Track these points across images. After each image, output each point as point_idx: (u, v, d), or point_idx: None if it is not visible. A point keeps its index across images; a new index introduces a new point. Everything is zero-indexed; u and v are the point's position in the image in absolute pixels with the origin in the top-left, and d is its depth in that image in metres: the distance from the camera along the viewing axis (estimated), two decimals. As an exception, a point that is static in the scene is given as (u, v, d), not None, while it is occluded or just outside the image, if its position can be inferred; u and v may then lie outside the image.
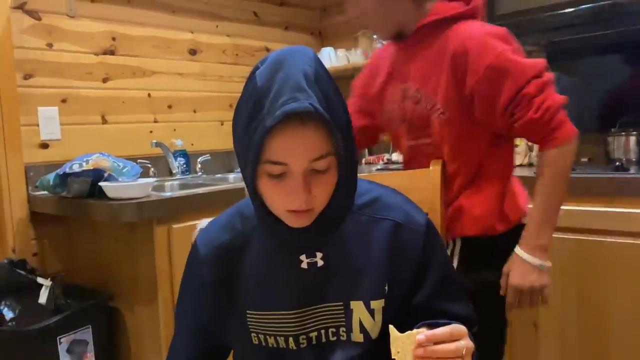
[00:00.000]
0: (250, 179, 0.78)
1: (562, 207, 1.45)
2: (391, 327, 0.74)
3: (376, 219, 0.89)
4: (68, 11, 2.10)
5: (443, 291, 0.90)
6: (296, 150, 0.75)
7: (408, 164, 1.35)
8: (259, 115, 0.74)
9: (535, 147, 2.08)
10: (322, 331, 0.88)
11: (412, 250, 0.88)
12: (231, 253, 0.91)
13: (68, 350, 1.70)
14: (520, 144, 2.06)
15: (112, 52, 2.24)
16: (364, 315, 0.87)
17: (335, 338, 0.88)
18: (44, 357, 1.66)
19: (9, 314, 1.72)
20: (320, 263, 0.87)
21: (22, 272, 1.78)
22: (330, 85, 0.78)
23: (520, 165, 2.03)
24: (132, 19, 2.30)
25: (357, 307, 0.87)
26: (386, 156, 2.53)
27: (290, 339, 0.88)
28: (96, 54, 2.19)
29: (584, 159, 2.05)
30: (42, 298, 1.73)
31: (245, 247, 0.91)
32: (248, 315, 0.90)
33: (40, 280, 1.76)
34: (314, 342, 0.88)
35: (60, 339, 1.67)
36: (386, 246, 0.88)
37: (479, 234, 1.22)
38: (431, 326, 0.76)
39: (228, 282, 0.91)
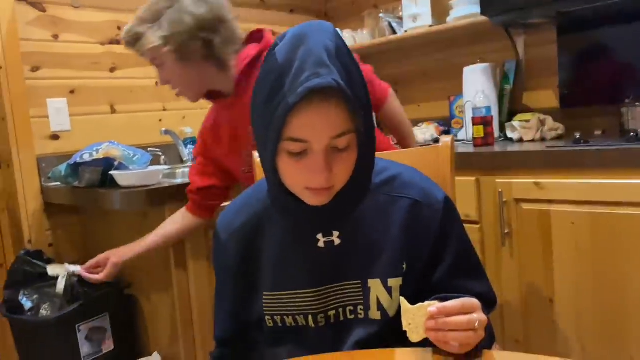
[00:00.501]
0: (270, 157, 0.77)
1: (579, 181, 1.47)
2: (402, 299, 0.74)
3: (394, 197, 0.88)
4: (72, 2, 2.10)
5: (461, 268, 0.89)
6: (318, 127, 0.73)
7: None
8: (280, 92, 0.72)
9: (547, 121, 2.05)
10: (340, 309, 0.88)
11: (430, 228, 0.88)
12: (249, 235, 0.91)
13: (87, 338, 1.72)
14: (532, 118, 2.04)
15: (118, 42, 2.23)
16: (382, 293, 0.86)
17: (353, 316, 0.88)
18: (64, 344, 1.68)
19: (27, 304, 1.74)
20: (337, 242, 0.87)
21: (39, 263, 1.80)
22: (350, 60, 0.77)
23: (533, 141, 2.00)
24: (136, 8, 2.28)
25: (375, 285, 0.86)
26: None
27: (310, 317, 0.88)
28: (102, 44, 2.19)
29: (598, 132, 2.01)
30: (59, 287, 1.75)
31: (262, 228, 0.91)
32: (264, 297, 0.90)
33: (53, 268, 1.78)
34: (332, 320, 0.88)
35: (79, 326, 1.70)
36: (404, 224, 0.87)
37: None
38: (443, 300, 0.75)
39: (248, 264, 0.92)
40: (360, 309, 0.88)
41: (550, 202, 1.64)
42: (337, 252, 0.87)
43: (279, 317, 0.90)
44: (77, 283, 1.75)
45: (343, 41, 0.77)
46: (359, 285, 0.87)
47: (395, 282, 0.86)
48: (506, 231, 1.74)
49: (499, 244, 1.77)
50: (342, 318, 0.89)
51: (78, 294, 1.75)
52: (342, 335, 0.89)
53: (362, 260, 0.87)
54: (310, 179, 0.77)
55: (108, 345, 1.78)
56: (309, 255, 0.87)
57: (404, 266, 0.87)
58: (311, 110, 0.72)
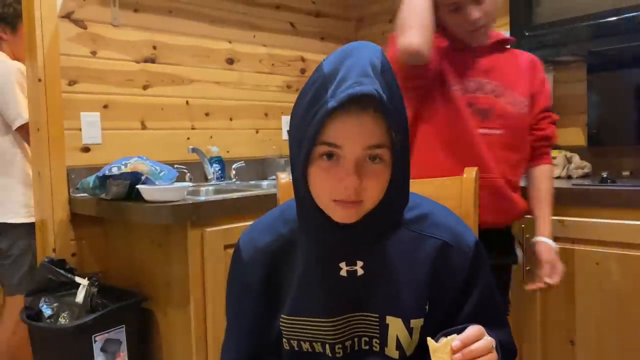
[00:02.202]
0: (303, 163, 0.77)
1: (604, 221, 1.49)
2: (429, 340, 0.75)
3: (424, 236, 0.87)
4: (112, 20, 2.18)
5: (483, 316, 0.87)
6: (352, 133, 0.74)
7: (470, 148, 1.41)
8: (322, 99, 0.74)
9: (574, 159, 2.03)
10: (356, 339, 0.88)
11: (457, 273, 0.86)
12: (272, 256, 0.90)
13: (102, 349, 1.73)
14: (558, 155, 2.02)
15: (152, 60, 2.31)
16: (402, 333, 0.85)
17: (367, 347, 0.87)
18: (79, 354, 1.70)
19: (47, 311, 1.77)
20: (360, 272, 0.85)
21: (62, 272, 1.84)
22: (394, 80, 0.77)
23: (559, 178, 1.98)
24: (172, 29, 2.37)
25: (395, 324, 0.85)
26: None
27: (327, 347, 0.87)
28: (137, 62, 2.26)
29: (626, 172, 1.99)
30: (79, 297, 1.78)
31: (286, 251, 0.90)
32: (282, 320, 0.89)
33: (78, 279, 1.82)
34: (348, 350, 0.88)
35: (95, 337, 1.71)
36: (431, 265, 0.85)
37: (509, 223, 1.52)
38: (449, 334, 0.77)
39: (268, 285, 0.90)
40: (376, 342, 0.87)
41: (574, 240, 1.62)
42: (359, 282, 0.85)
43: (295, 341, 0.89)
44: (96, 293, 1.77)
45: (388, 62, 0.78)
46: (377, 319, 0.86)
47: (417, 323, 0.85)
48: (527, 268, 1.71)
49: (521, 280, 1.74)
50: (356, 348, 0.88)
51: (97, 305, 1.77)
52: None
53: (383, 294, 0.85)
54: (339, 188, 0.76)
55: (122, 358, 1.79)
56: (330, 283, 0.86)
57: (427, 307, 0.86)
58: (349, 117, 0.73)
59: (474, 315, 0.86)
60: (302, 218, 0.85)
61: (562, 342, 1.66)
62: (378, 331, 0.86)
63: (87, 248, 2.09)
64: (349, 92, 0.71)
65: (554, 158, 2.02)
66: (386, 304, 0.85)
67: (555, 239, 1.64)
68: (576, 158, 2.03)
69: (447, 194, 1.14)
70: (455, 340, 0.72)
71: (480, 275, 0.88)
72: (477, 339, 0.73)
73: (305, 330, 0.88)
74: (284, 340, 0.90)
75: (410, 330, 0.85)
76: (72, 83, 2.08)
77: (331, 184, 0.76)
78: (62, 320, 1.75)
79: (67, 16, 2.06)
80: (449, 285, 0.86)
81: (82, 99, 2.10)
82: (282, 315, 0.89)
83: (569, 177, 1.98)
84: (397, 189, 0.80)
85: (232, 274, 0.97)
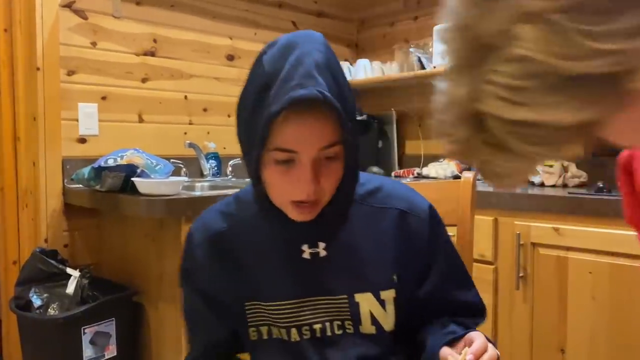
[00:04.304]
0: (255, 167, 0.76)
1: (598, 230, 1.41)
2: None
3: (380, 208, 0.88)
4: (113, 12, 2.17)
5: (451, 278, 0.90)
6: (305, 137, 0.72)
7: None
8: (265, 100, 0.71)
9: (571, 168, 2.03)
10: (327, 324, 0.85)
11: (418, 238, 0.88)
12: (227, 240, 0.87)
13: (91, 341, 1.72)
14: (555, 164, 2.02)
15: (152, 54, 2.30)
16: (375, 307, 0.85)
17: (341, 331, 0.86)
18: (68, 345, 1.69)
19: (37, 302, 1.75)
20: (322, 253, 0.85)
21: (53, 262, 1.82)
22: (340, 72, 0.76)
23: (554, 186, 1.98)
24: (173, 23, 2.36)
25: (365, 299, 0.85)
26: (416, 170, 2.52)
27: (293, 330, 0.85)
28: (137, 55, 2.25)
29: (621, 183, 1.99)
30: (70, 288, 1.77)
31: (242, 235, 0.87)
32: (246, 307, 0.86)
33: (69, 271, 1.80)
34: (318, 334, 0.85)
35: (84, 329, 1.70)
36: (393, 235, 0.87)
37: None
38: (452, 342, 0.79)
39: (225, 271, 0.87)
40: (349, 324, 0.85)
41: (568, 249, 1.62)
42: (323, 264, 0.85)
43: (265, 328, 0.86)
44: (87, 285, 1.76)
45: (333, 53, 0.76)
46: (345, 300, 0.85)
47: (387, 295, 0.85)
48: (521, 274, 1.71)
49: (513, 287, 1.74)
50: (329, 333, 0.86)
51: (87, 297, 1.76)
52: (334, 352, 0.85)
53: (349, 272, 0.85)
54: (296, 191, 0.75)
55: (111, 351, 1.78)
56: (292, 266, 0.85)
57: (395, 278, 0.86)
58: (298, 121, 0.71)
59: (444, 278, 0.88)
60: (261, 207, 0.83)
61: (553, 350, 1.66)
62: (349, 312, 0.85)
63: (80, 239, 2.08)
64: (291, 96, 0.68)
65: (551, 166, 2.03)
66: (352, 282, 0.85)
67: (550, 246, 1.65)
68: (572, 167, 2.04)
69: (445, 196, 1.14)
70: (468, 354, 0.73)
71: (440, 238, 0.90)
72: (485, 348, 0.74)
73: (270, 316, 0.85)
74: (252, 329, 0.87)
75: (382, 303, 0.85)
76: (70, 73, 2.07)
77: (288, 186, 0.75)
78: (51, 311, 1.74)
79: (68, 5, 2.05)
80: (412, 252, 0.87)
81: (80, 90, 2.09)
82: (246, 303, 0.86)
83: (565, 186, 1.99)
84: (350, 176, 0.80)
85: (185, 263, 0.92)
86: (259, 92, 0.73)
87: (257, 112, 0.73)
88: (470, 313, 0.92)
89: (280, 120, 0.71)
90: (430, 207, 0.90)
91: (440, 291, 0.88)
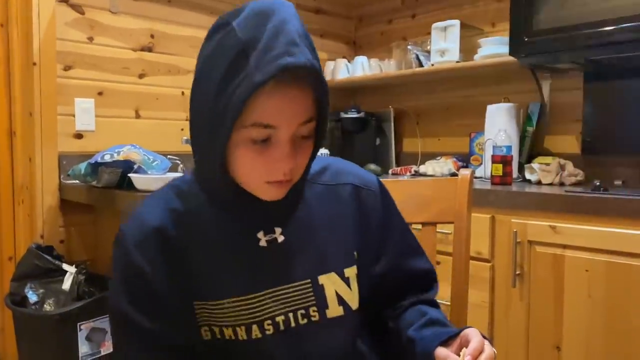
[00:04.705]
0: (221, 147, 0.67)
1: (595, 228, 1.40)
2: None
3: (334, 185, 0.86)
4: (110, 7, 2.16)
5: (406, 248, 0.90)
6: (287, 111, 0.66)
7: None
8: (242, 70, 0.63)
9: (568, 166, 2.03)
10: (291, 314, 0.78)
11: (373, 212, 0.87)
12: (169, 237, 0.75)
13: (87, 338, 1.72)
14: (552, 162, 2.02)
15: (149, 49, 2.29)
16: (340, 287, 0.82)
17: (305, 320, 0.79)
18: (64, 341, 1.68)
19: (33, 297, 1.75)
20: (280, 239, 0.79)
21: (49, 258, 1.82)
22: (313, 45, 0.70)
23: (551, 185, 1.99)
24: (171, 18, 2.35)
25: (330, 280, 0.81)
26: (414, 168, 2.51)
27: (254, 327, 0.77)
28: (134, 50, 2.24)
29: (618, 181, 1.99)
30: (66, 284, 1.76)
31: (188, 229, 0.77)
32: (196, 307, 0.76)
33: (65, 266, 1.80)
34: (281, 327, 0.78)
35: (80, 325, 1.70)
36: (351, 211, 0.85)
37: None
38: (446, 341, 0.78)
39: (168, 271, 0.75)
40: (314, 311, 0.79)
41: (565, 247, 1.62)
42: (282, 250, 0.78)
43: (217, 328, 0.77)
44: (83, 281, 1.76)
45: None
46: (309, 285, 0.79)
47: (350, 272, 0.83)
48: (518, 272, 1.72)
49: (510, 284, 1.74)
50: (293, 324, 0.79)
51: (83, 293, 1.76)
52: (300, 344, 0.79)
53: (310, 255, 0.80)
54: (273, 171, 0.69)
55: (107, 348, 1.77)
56: (249, 257, 0.77)
57: (355, 254, 0.85)
58: (282, 92, 0.65)
59: (400, 249, 0.89)
60: (213, 195, 0.76)
61: (549, 347, 1.66)
62: (313, 297, 0.79)
63: (76, 235, 2.07)
64: (280, 63, 0.62)
65: (548, 165, 2.03)
66: (314, 264, 0.80)
67: (547, 244, 1.65)
68: (569, 165, 2.04)
69: (443, 194, 1.14)
70: (466, 356, 0.73)
71: (392, 210, 0.90)
72: (482, 347, 0.73)
73: (225, 315, 0.76)
74: (204, 328, 0.77)
75: (346, 281, 0.82)
76: (67, 68, 2.06)
77: (264, 166, 0.69)
78: (47, 307, 1.74)
79: (65, 0, 2.04)
80: (369, 227, 0.86)
81: (76, 85, 2.08)
82: (195, 302, 0.76)
83: (562, 184, 1.99)
84: (314, 155, 0.77)
85: (117, 268, 0.77)
86: (233, 62, 0.64)
87: (230, 83, 0.64)
88: (425, 281, 0.92)
89: (260, 92, 0.64)
90: (379, 180, 0.91)
91: (397, 264, 0.88)
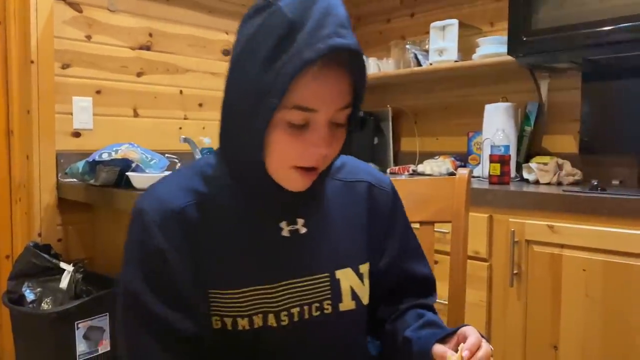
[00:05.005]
0: (261, 129, 0.66)
1: (592, 227, 1.41)
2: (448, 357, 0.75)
3: (351, 182, 0.87)
4: (109, 5, 2.16)
5: (408, 250, 0.91)
6: (327, 95, 0.66)
7: None
8: (290, 48, 0.63)
9: (565, 166, 2.04)
10: (306, 307, 0.78)
11: (384, 210, 0.89)
12: (191, 220, 0.73)
13: (85, 336, 1.72)
14: (550, 161, 2.03)
15: (148, 48, 2.28)
16: (355, 282, 0.83)
17: (318, 313, 0.79)
18: (61, 340, 1.68)
19: (30, 296, 1.75)
20: (302, 230, 0.79)
21: (46, 257, 1.81)
22: None
23: (549, 184, 1.99)
24: (169, 17, 2.35)
25: (346, 275, 0.82)
26: (412, 167, 2.52)
27: (270, 316, 0.76)
28: (132, 49, 2.24)
29: (616, 181, 2.00)
30: (63, 283, 1.76)
31: (210, 214, 0.75)
32: (211, 296, 0.74)
33: (63, 265, 1.80)
34: (295, 318, 0.78)
35: (77, 324, 1.70)
36: (365, 208, 0.87)
37: None
38: (444, 338, 0.78)
39: (187, 256, 0.73)
40: (327, 304, 0.80)
41: (562, 246, 1.62)
42: (303, 242, 0.78)
43: (230, 318, 0.75)
44: (81, 280, 1.75)
45: None
46: (327, 278, 0.80)
47: (364, 268, 0.85)
48: (515, 272, 1.72)
49: (507, 284, 1.74)
50: (307, 316, 0.78)
51: (81, 291, 1.76)
52: (310, 336, 0.79)
53: (329, 248, 0.80)
54: (307, 155, 0.68)
55: (104, 346, 1.77)
56: (270, 246, 0.76)
57: (367, 250, 0.87)
58: (325, 75, 0.64)
59: (401, 250, 0.90)
60: (240, 180, 0.75)
61: (546, 346, 1.66)
62: (330, 291, 0.80)
63: (74, 234, 2.07)
64: (330, 43, 0.62)
65: (545, 164, 2.03)
66: (333, 259, 0.81)
67: (544, 244, 1.66)
68: (567, 165, 2.04)
69: (440, 193, 1.14)
70: (464, 350, 0.73)
71: (400, 211, 0.92)
72: (480, 343, 0.73)
73: (242, 304, 0.75)
74: (215, 318, 0.75)
75: (360, 277, 0.84)
76: (65, 66, 2.05)
77: (298, 150, 0.68)
78: (44, 306, 1.73)
79: (63, -2, 2.04)
80: (380, 224, 0.88)
81: (74, 83, 2.08)
82: (210, 291, 0.74)
83: (560, 184, 1.99)
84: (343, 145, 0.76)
85: (133, 247, 0.74)
86: (281, 41, 0.63)
87: (275, 63, 0.63)
88: (425, 286, 0.93)
89: (305, 73, 0.63)
90: (391, 182, 0.93)
91: (397, 262, 0.89)
